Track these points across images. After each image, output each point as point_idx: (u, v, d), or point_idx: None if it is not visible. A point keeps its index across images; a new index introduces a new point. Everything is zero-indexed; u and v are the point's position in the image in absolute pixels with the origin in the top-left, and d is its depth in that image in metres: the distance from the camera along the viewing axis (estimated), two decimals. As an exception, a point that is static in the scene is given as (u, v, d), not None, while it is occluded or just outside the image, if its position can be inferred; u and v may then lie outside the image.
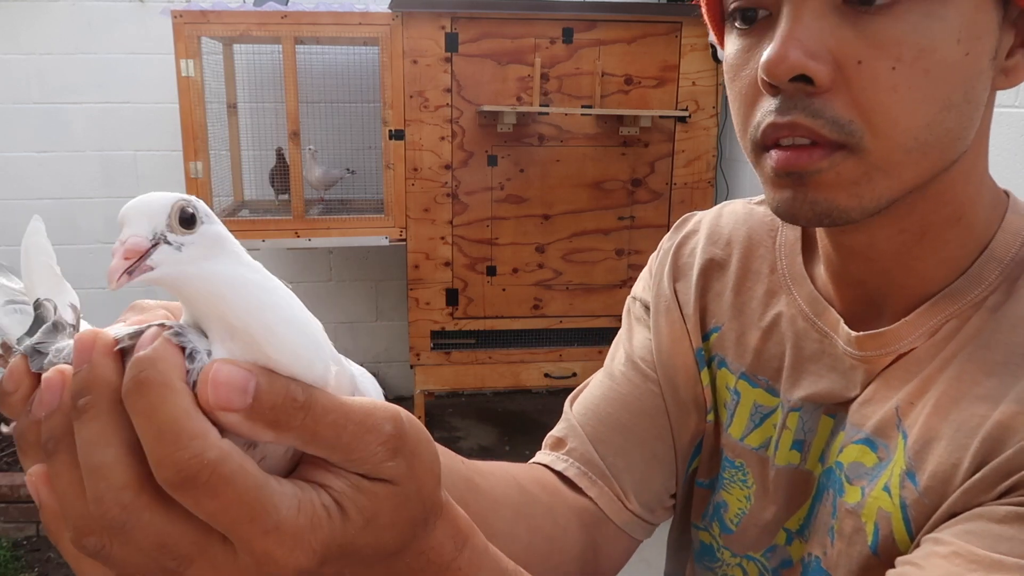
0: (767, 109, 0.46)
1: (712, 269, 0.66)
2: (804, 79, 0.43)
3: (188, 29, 2.58)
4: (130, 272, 0.28)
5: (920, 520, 0.47)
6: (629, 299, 0.74)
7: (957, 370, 0.48)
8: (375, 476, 0.31)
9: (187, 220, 0.29)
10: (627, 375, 0.68)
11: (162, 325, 0.29)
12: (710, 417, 0.65)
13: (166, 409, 0.27)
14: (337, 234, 2.79)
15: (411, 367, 2.89)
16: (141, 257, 0.28)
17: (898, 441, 0.50)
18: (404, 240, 2.79)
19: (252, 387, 0.28)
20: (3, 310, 0.36)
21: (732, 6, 0.49)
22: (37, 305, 0.35)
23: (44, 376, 0.30)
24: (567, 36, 2.70)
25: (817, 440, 0.56)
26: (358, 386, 0.34)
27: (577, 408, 0.69)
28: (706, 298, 0.66)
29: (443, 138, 2.72)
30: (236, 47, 3.06)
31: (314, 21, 2.62)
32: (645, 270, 0.73)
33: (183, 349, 0.29)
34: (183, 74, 2.60)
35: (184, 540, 0.28)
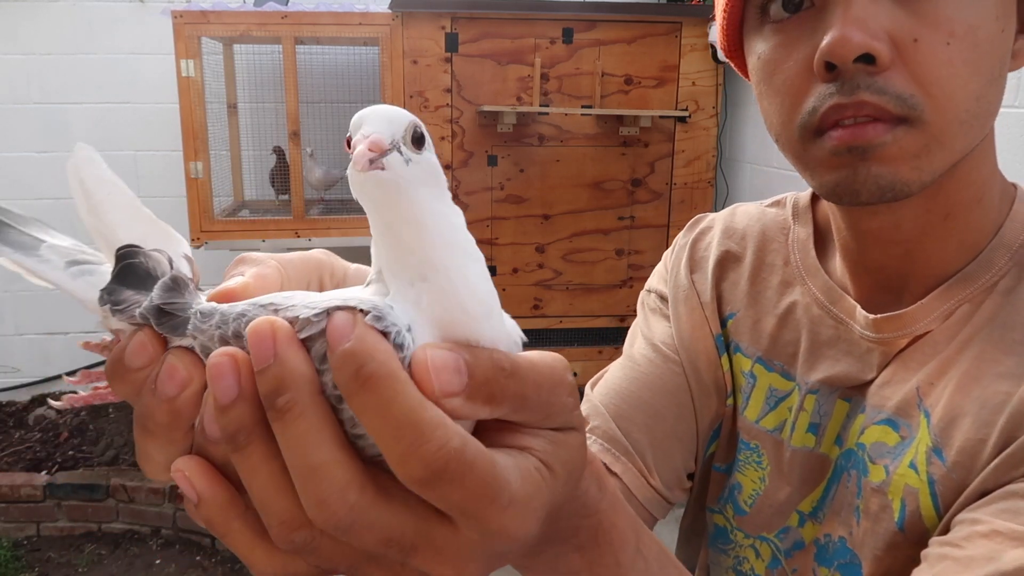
0: (824, 93, 0.48)
1: (728, 260, 0.68)
2: (865, 59, 0.45)
3: (188, 29, 2.58)
4: (371, 161, 0.27)
5: (948, 495, 0.48)
6: (643, 292, 0.75)
7: (977, 350, 0.50)
8: (567, 427, 0.30)
9: (417, 139, 0.29)
10: (648, 357, 0.69)
11: (352, 308, 0.27)
12: (730, 401, 0.67)
13: (400, 403, 0.25)
14: (337, 234, 2.79)
15: (411, 367, 2.89)
16: (379, 155, 0.27)
17: (920, 420, 0.51)
18: (404, 240, 2.79)
19: (463, 366, 0.27)
20: (68, 273, 0.31)
21: (771, 10, 0.51)
22: (129, 254, 0.30)
23: (212, 361, 0.27)
24: (567, 36, 2.70)
25: (832, 424, 0.58)
26: (508, 329, 0.31)
27: (599, 390, 0.69)
28: (722, 287, 0.68)
29: (443, 138, 2.72)
30: (236, 47, 3.06)
31: (314, 21, 2.63)
32: (659, 265, 0.75)
33: (385, 334, 0.26)
34: (183, 74, 2.60)
35: (408, 529, 0.27)
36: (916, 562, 0.48)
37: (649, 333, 0.71)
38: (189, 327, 0.28)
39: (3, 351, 3.40)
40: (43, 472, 2.78)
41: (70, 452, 2.89)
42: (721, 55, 2.92)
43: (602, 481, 0.36)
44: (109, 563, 2.60)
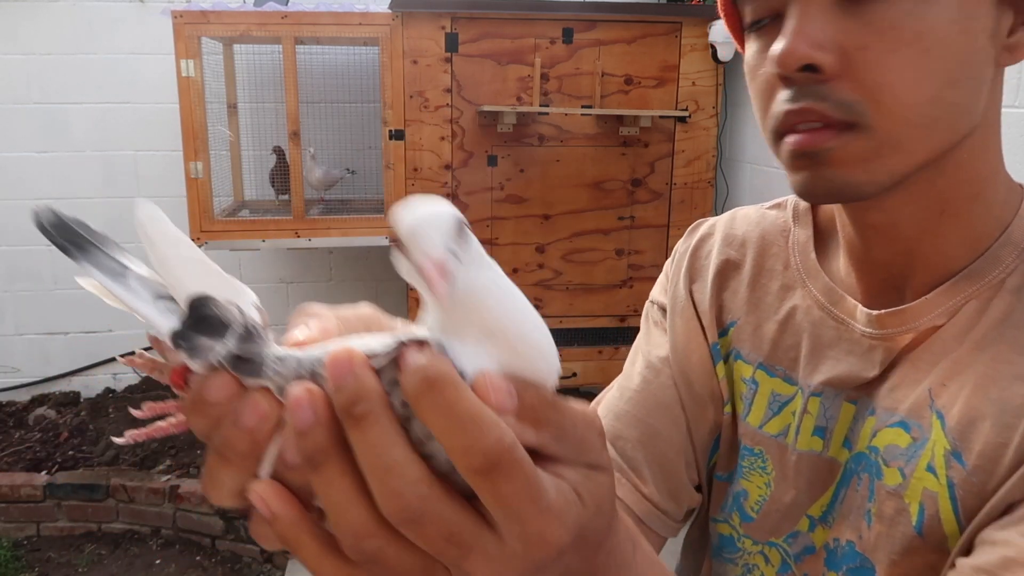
0: (782, 99, 0.50)
1: (728, 269, 0.68)
2: (812, 68, 0.47)
3: (188, 29, 2.58)
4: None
5: (968, 499, 0.48)
6: (648, 303, 0.76)
7: (992, 352, 0.50)
8: (596, 465, 0.33)
9: (462, 234, 0.32)
10: (642, 374, 0.71)
11: (418, 341, 0.31)
12: (727, 409, 0.67)
13: (464, 402, 0.29)
14: (337, 234, 2.79)
15: (411, 367, 2.89)
16: (447, 273, 0.31)
17: (932, 421, 0.51)
18: (404, 240, 2.78)
19: (514, 391, 0.31)
20: (155, 307, 0.34)
21: (747, 20, 0.54)
22: (201, 304, 0.34)
23: (292, 394, 0.31)
24: (567, 36, 2.70)
25: (839, 427, 0.57)
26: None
27: (600, 411, 0.70)
28: (722, 296, 0.68)
29: (443, 138, 2.72)
30: (236, 47, 3.06)
31: (314, 21, 2.63)
32: (662, 275, 0.75)
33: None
34: (183, 74, 2.60)
35: (466, 530, 0.30)
36: (934, 568, 0.48)
37: (647, 348, 0.72)
38: (267, 371, 0.33)
39: (3, 351, 3.40)
40: (43, 472, 2.78)
41: (70, 452, 2.89)
42: (721, 55, 2.92)
43: (636, 541, 0.38)
44: (109, 563, 2.60)
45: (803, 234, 0.65)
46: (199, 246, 2.93)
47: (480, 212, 2.79)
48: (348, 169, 3.11)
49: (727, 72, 2.78)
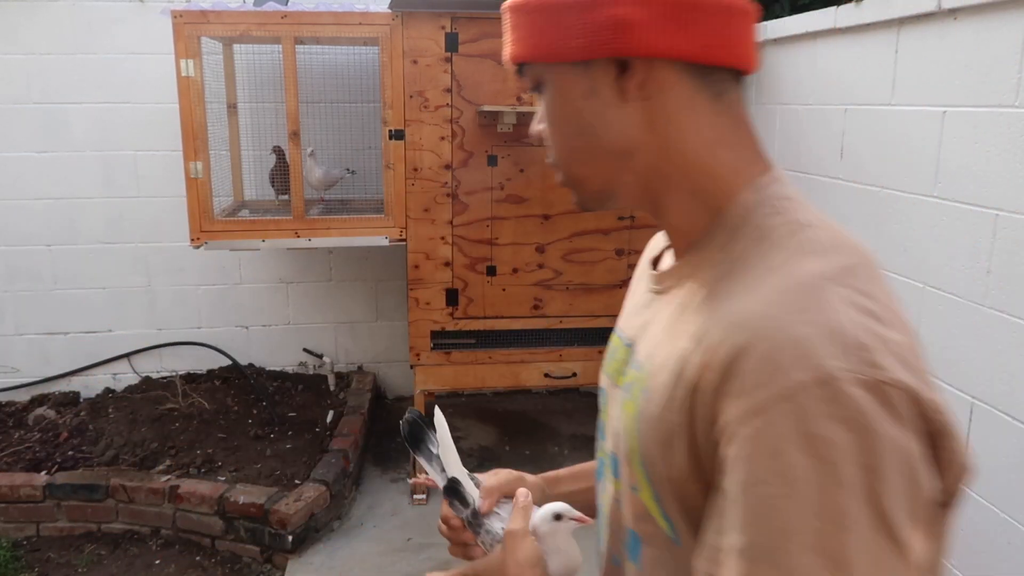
0: None
1: (642, 273, 0.85)
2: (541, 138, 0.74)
3: (188, 29, 2.58)
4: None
5: (639, 422, 0.66)
6: None
7: (689, 314, 0.65)
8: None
9: (556, 517, 0.80)
10: None
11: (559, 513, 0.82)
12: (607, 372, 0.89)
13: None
14: (337, 234, 2.79)
15: (411, 367, 2.89)
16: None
17: (644, 365, 0.69)
18: (404, 240, 2.79)
19: (490, 501, 0.87)
20: (439, 476, 0.86)
21: None
22: (455, 483, 0.85)
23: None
24: (567, 36, 2.70)
25: (628, 370, 0.74)
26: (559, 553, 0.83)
27: None
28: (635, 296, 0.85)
29: (443, 138, 2.72)
30: (236, 47, 3.06)
31: (314, 21, 2.63)
32: None
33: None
34: (183, 74, 2.60)
35: None
36: (637, 469, 0.66)
37: None
38: (481, 532, 0.84)
39: (3, 351, 3.40)
40: (43, 472, 2.78)
41: (70, 452, 2.89)
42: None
43: None
44: (109, 563, 2.60)
45: None
46: (199, 246, 2.92)
47: (480, 212, 2.79)
48: (348, 169, 3.11)
49: (727, 72, 2.78)
